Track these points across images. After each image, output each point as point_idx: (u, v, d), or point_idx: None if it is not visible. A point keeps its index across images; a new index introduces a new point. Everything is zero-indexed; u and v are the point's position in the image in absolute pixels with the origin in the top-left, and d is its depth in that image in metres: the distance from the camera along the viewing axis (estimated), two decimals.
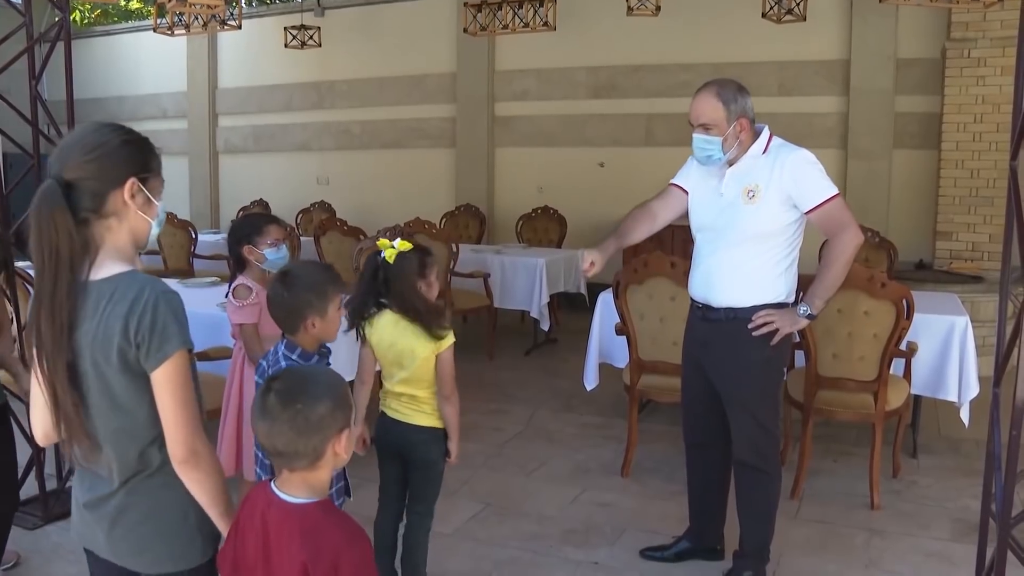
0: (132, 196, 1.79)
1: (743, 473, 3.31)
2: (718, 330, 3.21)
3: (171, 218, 8.30)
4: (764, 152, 3.12)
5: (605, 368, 5.00)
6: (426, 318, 2.92)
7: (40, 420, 1.88)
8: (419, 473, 3.04)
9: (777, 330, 3.11)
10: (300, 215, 10.18)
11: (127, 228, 1.82)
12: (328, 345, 2.74)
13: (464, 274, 7.01)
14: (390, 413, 3.03)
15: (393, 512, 3.10)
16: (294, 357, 2.60)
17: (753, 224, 3.09)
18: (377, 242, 3.00)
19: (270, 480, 1.75)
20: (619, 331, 4.52)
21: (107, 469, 1.83)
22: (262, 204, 10.44)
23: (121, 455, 1.81)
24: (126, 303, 1.71)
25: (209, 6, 5.44)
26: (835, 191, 3.09)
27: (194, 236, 8.23)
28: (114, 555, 1.88)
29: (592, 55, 9.10)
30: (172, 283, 5.46)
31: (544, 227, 8.87)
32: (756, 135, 3.14)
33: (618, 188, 9.05)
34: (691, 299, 3.36)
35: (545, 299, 7.07)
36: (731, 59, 8.23)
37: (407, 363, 2.94)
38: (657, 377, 4.40)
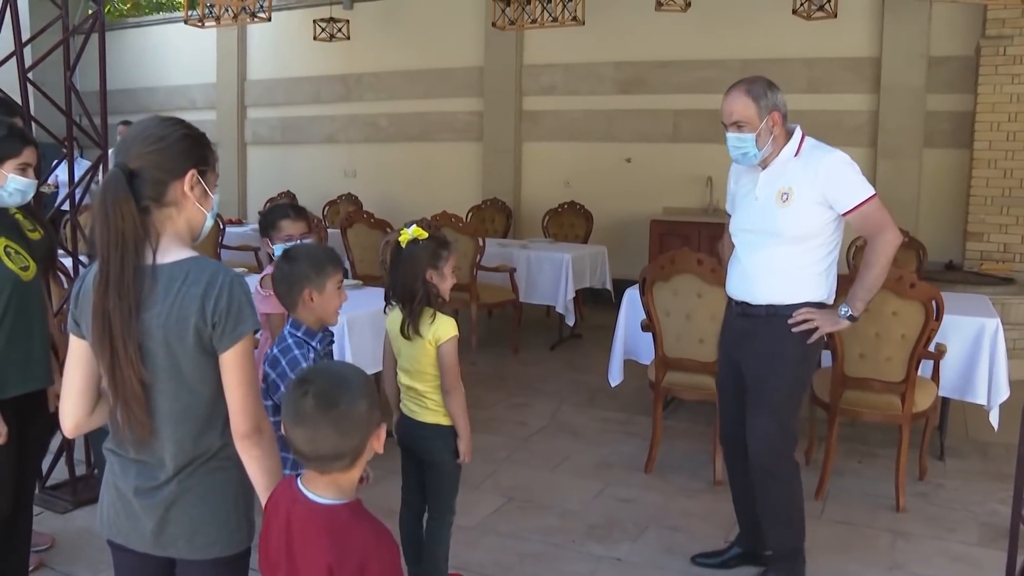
0: (191, 188, 1.87)
1: (760, 476, 3.26)
2: (757, 325, 3.21)
3: None
4: (796, 154, 3.12)
5: (630, 364, 4.99)
6: (416, 311, 2.90)
7: (72, 409, 1.91)
8: (430, 471, 3.04)
9: (816, 328, 3.12)
10: (327, 207, 10.21)
11: (184, 218, 1.89)
12: (331, 330, 2.78)
13: (490, 268, 7.02)
14: (403, 409, 3.06)
15: (414, 508, 3.12)
16: (299, 334, 2.64)
17: (788, 226, 3.10)
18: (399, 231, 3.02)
19: (296, 476, 1.75)
20: (645, 328, 4.51)
21: (159, 456, 1.86)
22: (289, 196, 10.49)
23: (179, 438, 1.85)
24: (201, 285, 1.79)
25: None
26: (872, 192, 3.09)
27: (221, 227, 8.28)
28: (160, 544, 1.90)
29: (620, 50, 9.06)
30: None
31: (570, 222, 8.86)
32: (789, 134, 3.14)
33: (644, 184, 9.04)
34: (729, 297, 3.36)
35: (571, 294, 7.07)
36: (760, 55, 8.16)
37: (409, 354, 2.95)
38: (682, 374, 4.39)
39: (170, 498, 1.87)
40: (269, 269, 3.53)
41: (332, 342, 2.79)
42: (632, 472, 4.52)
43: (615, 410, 5.59)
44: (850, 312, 3.14)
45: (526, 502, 4.16)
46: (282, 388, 2.56)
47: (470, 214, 9.19)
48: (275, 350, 2.68)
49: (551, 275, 7.17)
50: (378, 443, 1.71)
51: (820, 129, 3.92)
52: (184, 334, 1.79)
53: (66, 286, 4.08)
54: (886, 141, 8.05)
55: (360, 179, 10.98)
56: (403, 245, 2.93)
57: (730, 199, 3.43)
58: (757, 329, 3.21)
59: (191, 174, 1.86)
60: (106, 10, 15.40)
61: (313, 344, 2.63)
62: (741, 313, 3.27)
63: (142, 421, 1.82)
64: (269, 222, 3.55)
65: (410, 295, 2.91)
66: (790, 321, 3.11)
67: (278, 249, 3.50)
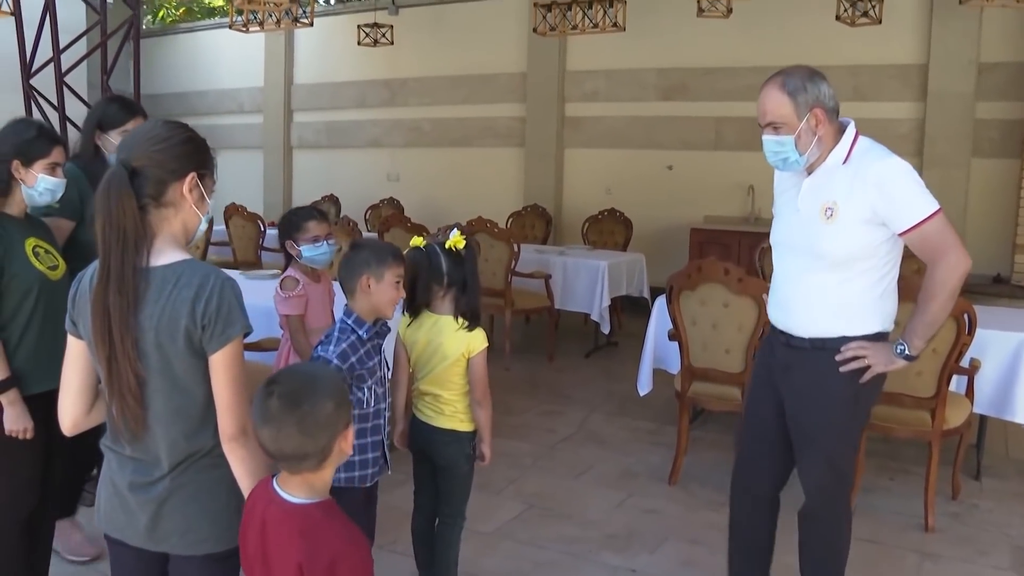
0: (190, 190, 1.90)
1: (809, 525, 2.90)
2: (803, 357, 2.79)
3: (240, 210, 8.50)
4: (845, 161, 2.65)
5: (662, 374, 4.95)
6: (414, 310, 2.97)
7: (70, 407, 1.95)
8: (443, 475, 3.03)
9: (869, 367, 2.70)
10: (369, 211, 10.30)
11: (181, 220, 1.91)
12: (388, 324, 2.79)
13: (524, 274, 7.01)
14: (417, 413, 3.04)
15: (426, 512, 3.10)
16: (350, 322, 2.66)
17: (834, 247, 2.65)
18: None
19: (273, 476, 1.77)
20: (671, 337, 4.46)
21: (154, 453, 1.89)
22: (332, 199, 10.60)
23: (172, 436, 1.87)
24: (192, 288, 1.81)
25: (276, 3, 5.55)
26: (935, 207, 2.58)
27: (263, 229, 8.38)
28: (153, 539, 1.92)
29: (662, 56, 9.01)
30: (234, 274, 5.60)
31: (610, 229, 8.81)
32: (840, 131, 2.68)
33: (686, 191, 8.97)
34: (770, 323, 2.98)
35: (606, 302, 7.03)
36: (803, 61, 8.01)
37: (436, 363, 2.94)
38: (708, 384, 4.34)
39: (164, 494, 1.89)
40: (290, 271, 3.56)
41: (381, 334, 2.77)
42: (656, 483, 4.47)
43: (645, 419, 5.53)
44: (907, 351, 2.69)
45: (546, 510, 4.13)
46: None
47: (510, 220, 9.20)
48: (323, 336, 2.73)
49: (587, 282, 7.14)
50: (346, 444, 1.72)
51: None
52: (175, 336, 1.81)
53: None
54: (933, 150, 7.88)
55: (403, 183, 11.06)
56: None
57: (775, 206, 3.00)
58: (803, 362, 2.79)
59: (191, 176, 1.89)
60: (159, 15, 15.77)
61: (360, 333, 2.65)
62: (786, 343, 2.83)
63: (136, 416, 1.84)
64: (294, 224, 3.57)
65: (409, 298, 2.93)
66: (838, 358, 2.70)
67: (306, 250, 3.52)
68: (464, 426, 3.00)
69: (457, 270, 2.92)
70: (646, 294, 7.64)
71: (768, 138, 2.67)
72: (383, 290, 2.68)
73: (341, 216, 9.38)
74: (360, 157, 11.54)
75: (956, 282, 2.64)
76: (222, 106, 12.45)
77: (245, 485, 1.85)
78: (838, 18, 7.26)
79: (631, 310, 8.32)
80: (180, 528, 1.90)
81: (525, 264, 7.09)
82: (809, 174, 2.73)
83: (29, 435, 2.77)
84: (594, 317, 7.14)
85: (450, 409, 2.97)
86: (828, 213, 2.64)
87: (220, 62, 12.56)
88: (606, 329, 7.20)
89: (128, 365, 1.81)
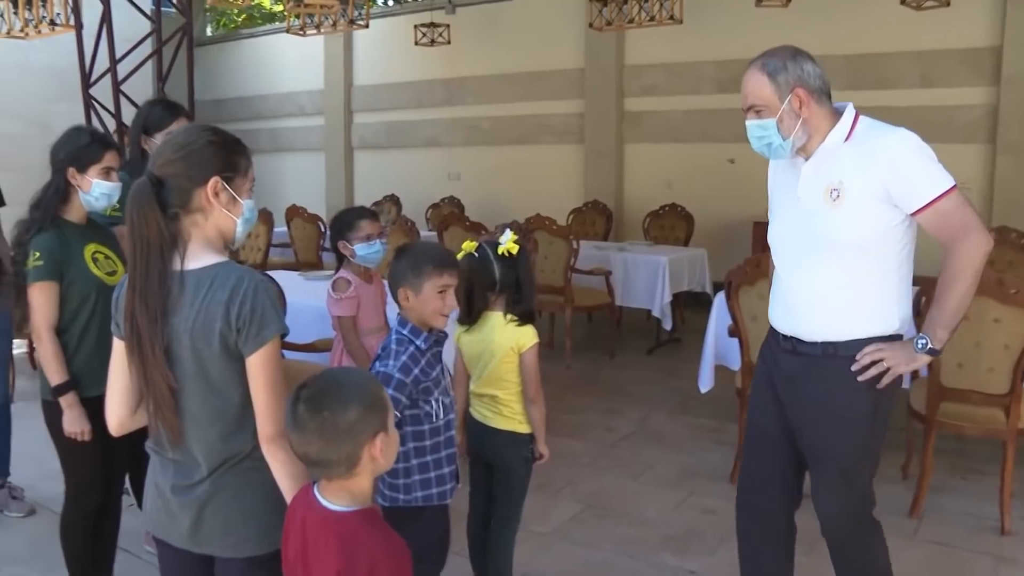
0: (216, 194, 1.88)
1: (836, 549, 2.67)
2: (811, 366, 2.52)
3: (301, 212, 8.60)
4: (847, 139, 2.44)
5: (723, 370, 4.85)
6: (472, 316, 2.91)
7: (116, 409, 1.96)
8: (499, 477, 2.99)
9: (887, 370, 2.43)
10: (430, 210, 10.33)
11: (213, 224, 1.90)
12: (446, 331, 2.64)
13: (584, 271, 6.95)
14: (474, 415, 3.01)
15: (481, 514, 3.07)
16: (405, 332, 2.51)
17: (840, 232, 2.41)
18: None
19: (313, 483, 1.74)
20: (731, 333, 4.37)
21: (194, 456, 1.90)
22: (393, 199, 10.66)
23: (210, 439, 1.87)
24: (226, 290, 1.80)
25: (326, 6, 5.60)
26: (950, 183, 2.35)
27: (323, 230, 8.46)
28: (196, 542, 1.93)
29: (721, 48, 8.84)
30: (294, 275, 5.66)
31: (671, 224, 8.70)
32: (836, 114, 2.47)
33: (748, 185, 8.71)
34: (771, 327, 2.70)
35: (667, 298, 6.95)
36: (866, 49, 7.86)
37: (486, 361, 2.91)
38: None
39: (204, 497, 1.90)
40: (342, 272, 3.57)
41: (440, 341, 2.60)
42: (717, 482, 4.38)
43: (706, 417, 5.44)
44: (929, 344, 2.41)
45: (604, 510, 4.08)
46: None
47: (571, 217, 9.14)
48: (379, 349, 2.61)
49: (648, 278, 7.06)
50: (378, 453, 1.66)
51: (932, 126, 3.68)
52: (210, 339, 1.81)
53: None
54: (1007, 136, 7.59)
55: (463, 182, 11.08)
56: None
57: (770, 203, 2.74)
58: (810, 372, 2.52)
59: (214, 181, 1.87)
60: (220, 23, 16.07)
61: (418, 343, 2.49)
62: (792, 350, 2.57)
63: (171, 422, 1.85)
64: (346, 223, 3.57)
65: (465, 306, 2.89)
66: (854, 367, 2.43)
67: (359, 249, 3.52)
68: (522, 427, 2.96)
69: (509, 274, 2.88)
70: (708, 289, 7.52)
71: (750, 122, 2.49)
72: (423, 303, 2.50)
73: (399, 216, 9.41)
74: (420, 157, 11.59)
75: (979, 264, 2.38)
76: (283, 109, 12.62)
77: (286, 488, 1.84)
78: (903, 2, 7.04)
79: (694, 306, 8.19)
80: (221, 530, 1.91)
81: (585, 261, 7.03)
82: (807, 159, 2.50)
83: (87, 437, 2.83)
84: (655, 313, 7.06)
85: (508, 410, 2.94)
86: (834, 195, 2.42)
87: (281, 66, 12.74)
88: (668, 325, 7.11)
89: (159, 373, 1.82)
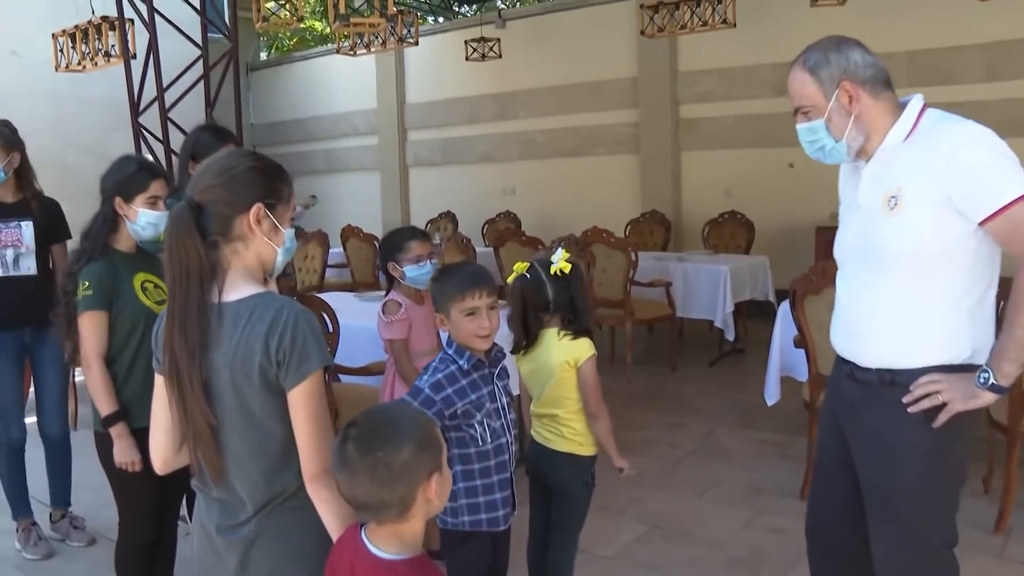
0: (258, 222, 1.80)
1: None
2: (868, 394, 2.25)
3: (357, 232, 8.61)
4: (908, 137, 2.14)
5: (790, 382, 4.69)
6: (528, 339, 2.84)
7: (160, 446, 1.90)
8: (559, 501, 2.89)
9: (944, 405, 2.10)
10: (486, 225, 10.28)
11: (253, 253, 1.83)
12: (503, 352, 2.58)
13: (644, 283, 6.83)
14: (535, 436, 2.92)
15: (541, 539, 2.97)
16: (451, 352, 2.45)
17: (899, 245, 2.12)
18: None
19: (361, 526, 1.65)
20: (797, 344, 4.22)
21: (238, 495, 1.83)
22: (449, 216, 10.65)
23: (253, 477, 1.80)
24: (265, 323, 1.72)
25: (372, 24, 5.60)
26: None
27: (379, 250, 8.44)
28: None
29: (776, 51, 8.60)
30: (348, 296, 5.63)
31: (731, 232, 8.52)
32: (898, 106, 2.18)
33: (809, 190, 8.51)
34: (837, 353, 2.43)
35: (730, 308, 6.78)
36: (928, 44, 7.61)
37: (544, 378, 2.82)
38: None
39: (250, 537, 1.83)
40: (392, 294, 3.51)
41: (495, 362, 2.53)
42: (786, 499, 4.22)
43: (772, 431, 5.27)
44: (992, 380, 2.04)
45: (669, 531, 3.95)
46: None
47: (628, 228, 9.02)
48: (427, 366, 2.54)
49: (709, 288, 6.90)
50: (432, 495, 1.57)
51: (1001, 120, 3.48)
52: (250, 373, 1.73)
53: None
54: None
55: (519, 196, 11.03)
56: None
57: (840, 210, 2.48)
58: (868, 402, 2.25)
59: (257, 208, 1.79)
60: (273, 46, 16.30)
61: (460, 363, 2.42)
62: (850, 375, 2.31)
63: (211, 459, 1.79)
64: (395, 244, 3.51)
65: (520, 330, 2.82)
66: (906, 398, 2.13)
67: (409, 271, 3.46)
68: (584, 450, 2.86)
69: (563, 293, 2.80)
70: (771, 298, 7.33)
71: (800, 126, 2.25)
72: (455, 328, 2.44)
73: (454, 233, 9.38)
74: (475, 172, 11.57)
75: None
76: (338, 130, 12.72)
77: (332, 528, 1.75)
78: None
79: (757, 315, 8.00)
80: (268, 572, 1.83)
81: (644, 272, 6.90)
82: (868, 161, 2.22)
83: (137, 467, 2.79)
84: (718, 324, 6.89)
85: (569, 431, 2.84)
86: (892, 203, 2.11)
87: (334, 87, 12.86)
88: (731, 336, 6.95)
89: (198, 409, 1.75)
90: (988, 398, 2.08)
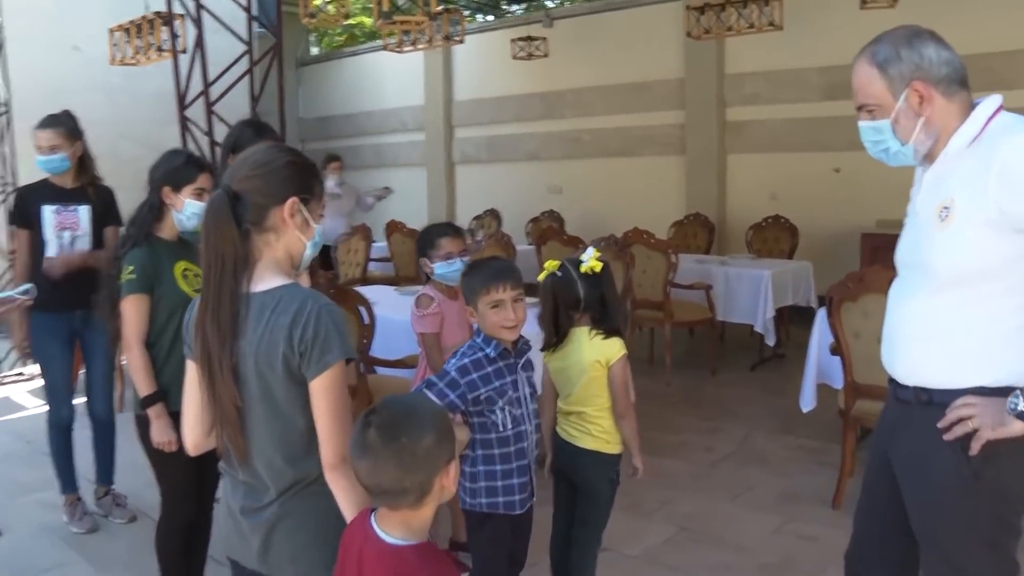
0: (292, 215, 1.86)
1: None
2: (908, 415, 2.11)
3: (400, 227, 8.69)
4: (972, 142, 1.96)
5: (827, 389, 4.65)
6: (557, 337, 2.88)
7: (191, 429, 1.97)
8: (583, 498, 2.91)
9: (976, 430, 1.95)
10: (530, 224, 10.30)
11: (284, 245, 1.88)
12: (529, 344, 2.67)
13: (683, 285, 6.80)
14: (561, 434, 2.94)
15: (564, 535, 3.00)
16: (479, 340, 2.55)
17: (943, 260, 1.98)
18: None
19: (372, 511, 1.69)
20: (833, 351, 4.19)
21: (262, 479, 1.88)
22: (494, 213, 10.69)
23: (276, 463, 1.86)
24: (290, 314, 1.78)
25: (415, 22, 5.65)
26: None
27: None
28: (265, 564, 1.92)
29: (824, 54, 8.54)
30: (389, 290, 5.69)
31: (775, 237, 8.44)
32: (969, 112, 2.00)
33: (855, 195, 8.49)
34: None
35: (771, 313, 6.72)
36: (983, 49, 7.44)
37: (575, 377, 2.84)
38: (873, 403, 4.01)
39: (272, 520, 1.88)
40: (426, 289, 3.55)
41: (521, 353, 2.62)
42: (818, 507, 4.19)
43: (809, 437, 5.23)
44: (1020, 406, 1.88)
45: (699, 534, 3.94)
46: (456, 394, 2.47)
47: (672, 229, 8.98)
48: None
49: (750, 292, 6.85)
50: (448, 482, 1.62)
51: None
52: (274, 362, 1.79)
53: None
54: None
55: (564, 195, 11.05)
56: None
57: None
58: (908, 423, 2.11)
59: (292, 201, 1.85)
60: (322, 42, 16.49)
61: (488, 351, 2.52)
62: (894, 394, 2.18)
63: (236, 440, 1.84)
64: (427, 241, 3.57)
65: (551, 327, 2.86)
66: (941, 422, 1.98)
67: (438, 267, 3.51)
68: (609, 448, 2.89)
69: (593, 292, 2.84)
70: (814, 304, 7.26)
71: (863, 124, 2.07)
72: (482, 319, 2.55)
73: (497, 230, 9.42)
74: (521, 170, 11.61)
75: None
76: (387, 125, 12.84)
77: (348, 514, 1.80)
78: None
79: (799, 320, 7.90)
80: (290, 554, 1.89)
81: (685, 275, 6.88)
82: (932, 165, 2.07)
83: (174, 447, 2.88)
84: (758, 328, 6.84)
85: (596, 428, 2.87)
86: (943, 214, 1.96)
87: (383, 82, 12.98)
88: (771, 341, 6.90)
89: (227, 393, 1.80)
90: (1018, 428, 1.89)
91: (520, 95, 11.32)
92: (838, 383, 4.43)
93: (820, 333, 4.57)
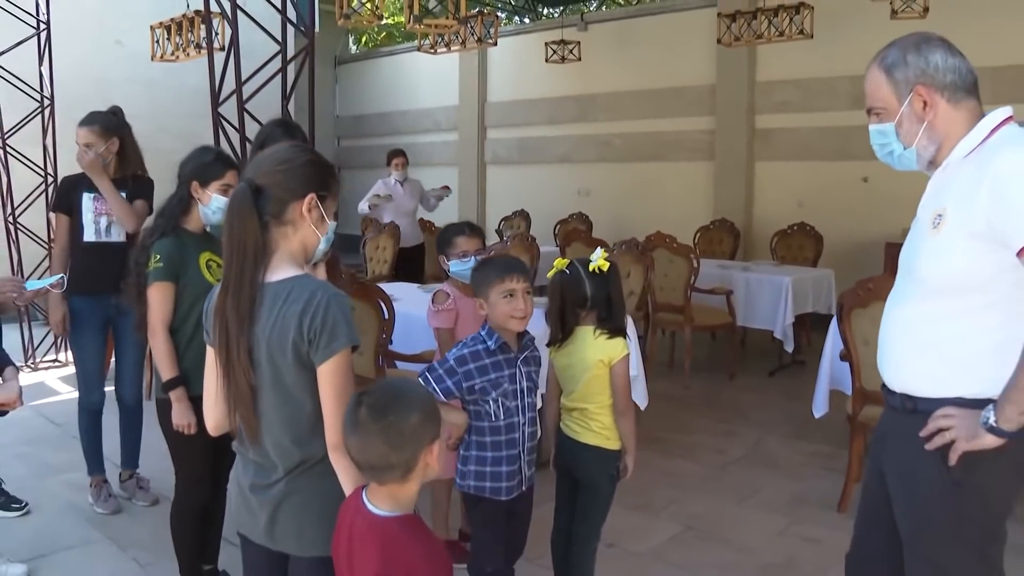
0: (309, 210, 1.99)
1: None
2: (896, 422, 2.14)
3: (430, 225, 8.81)
4: (971, 153, 1.99)
5: (840, 395, 4.70)
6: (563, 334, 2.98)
7: (211, 411, 2.10)
8: (584, 492, 3.00)
9: (953, 441, 1.97)
10: (558, 226, 10.38)
11: (299, 238, 2.01)
12: (532, 338, 2.83)
13: (704, 290, 6.86)
14: (564, 429, 3.03)
15: (565, 529, 3.08)
16: (482, 333, 2.71)
17: (930, 268, 2.01)
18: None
19: (364, 487, 1.82)
20: (843, 357, 4.25)
21: (271, 458, 2.01)
22: (523, 215, 10.78)
23: (284, 443, 1.98)
24: (301, 303, 1.90)
25: (444, 25, 5.77)
26: None
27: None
28: (272, 539, 2.04)
29: (855, 63, 8.42)
30: (412, 287, 5.81)
31: (799, 244, 8.47)
32: (976, 121, 2.02)
33: (882, 205, 8.48)
34: None
35: (790, 319, 6.77)
36: (1010, 60, 7.44)
37: (578, 374, 2.94)
38: (880, 409, 4.05)
39: (279, 497, 2.01)
40: (444, 285, 3.67)
41: (525, 347, 2.77)
42: (825, 510, 4.25)
43: (821, 443, 5.28)
44: (993, 421, 1.89)
45: (705, 533, 4.02)
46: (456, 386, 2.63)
47: (698, 235, 9.03)
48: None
49: (770, 298, 6.90)
50: (432, 459, 1.74)
51: None
52: (284, 348, 1.91)
53: None
54: None
55: (593, 198, 11.13)
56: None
57: None
58: (894, 427, 2.15)
59: (310, 197, 1.98)
60: (362, 40, 16.64)
61: (489, 343, 2.67)
62: (886, 400, 2.22)
63: (249, 423, 1.97)
64: (445, 239, 3.68)
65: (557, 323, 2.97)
66: (922, 432, 2.00)
67: (454, 265, 3.62)
68: (610, 444, 2.97)
69: (600, 291, 2.93)
70: (834, 311, 7.27)
71: (872, 127, 2.12)
72: (493, 308, 2.69)
73: (526, 231, 9.51)
74: (551, 172, 11.70)
75: None
76: (421, 125, 13.00)
77: (349, 492, 1.91)
78: None
79: (820, 328, 7.91)
80: (295, 530, 2.01)
81: (708, 279, 6.94)
82: (937, 168, 2.10)
83: (193, 430, 3.02)
84: (777, 334, 6.90)
85: (597, 425, 2.95)
86: (936, 221, 1.99)
87: (419, 82, 13.15)
88: (790, 347, 6.94)
89: (242, 374, 1.93)
90: (988, 440, 1.90)
91: (553, 98, 11.42)
92: (848, 389, 4.48)
93: (834, 339, 4.61)
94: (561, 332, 2.97)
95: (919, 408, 2.03)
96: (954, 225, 1.94)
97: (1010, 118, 2.01)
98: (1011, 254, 1.86)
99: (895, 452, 2.13)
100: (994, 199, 1.86)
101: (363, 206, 8.15)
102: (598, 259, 2.94)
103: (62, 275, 3.55)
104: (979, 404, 1.94)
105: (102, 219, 4.15)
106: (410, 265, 8.27)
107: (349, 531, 1.78)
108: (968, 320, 1.97)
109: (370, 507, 1.76)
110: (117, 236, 4.17)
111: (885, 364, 2.18)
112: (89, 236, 4.15)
